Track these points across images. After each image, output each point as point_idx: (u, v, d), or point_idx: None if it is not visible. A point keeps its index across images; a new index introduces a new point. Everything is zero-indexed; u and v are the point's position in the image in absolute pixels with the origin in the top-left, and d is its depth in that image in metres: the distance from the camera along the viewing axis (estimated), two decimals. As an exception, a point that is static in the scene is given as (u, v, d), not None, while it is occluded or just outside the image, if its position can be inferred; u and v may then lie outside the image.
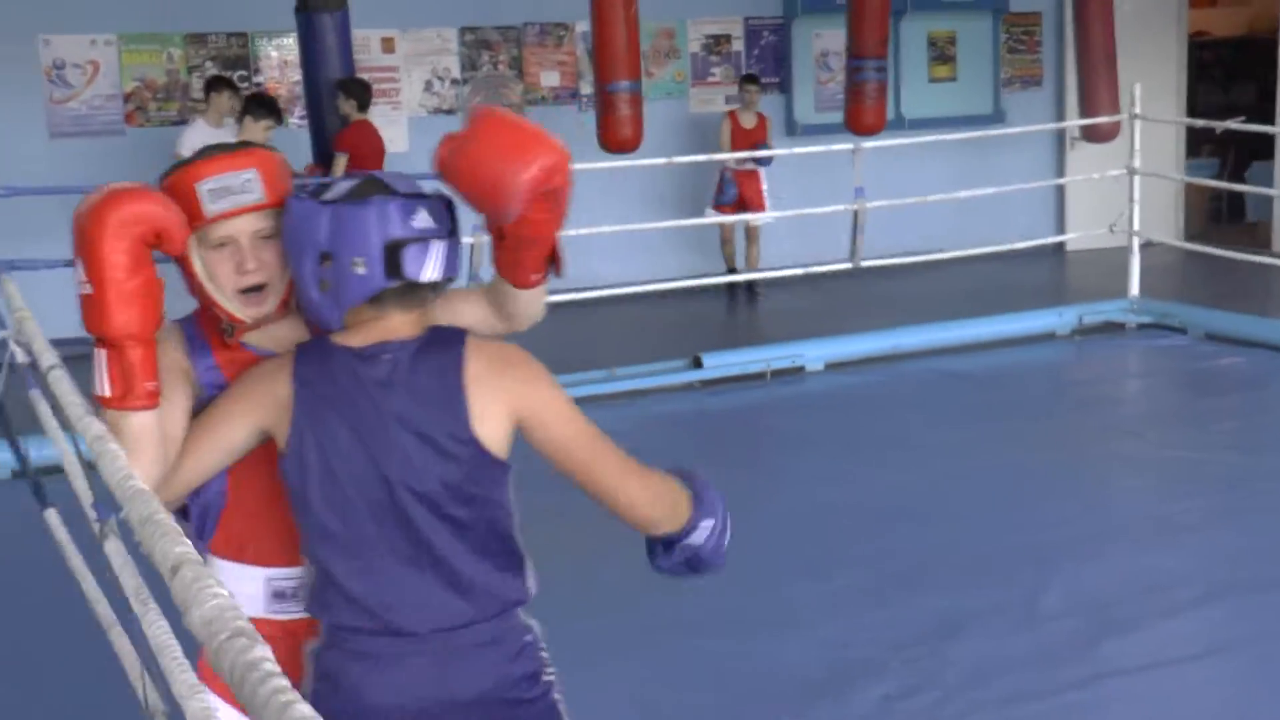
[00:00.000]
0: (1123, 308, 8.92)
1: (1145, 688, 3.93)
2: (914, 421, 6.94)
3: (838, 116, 11.11)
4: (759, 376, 7.80)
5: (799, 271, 8.90)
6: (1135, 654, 4.14)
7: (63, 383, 2.33)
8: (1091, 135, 10.52)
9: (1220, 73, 13.84)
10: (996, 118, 12.04)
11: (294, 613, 2.11)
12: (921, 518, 5.44)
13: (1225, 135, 11.17)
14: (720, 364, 7.78)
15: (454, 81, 10.41)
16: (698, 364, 7.75)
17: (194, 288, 2.07)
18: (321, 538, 2.00)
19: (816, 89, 11.58)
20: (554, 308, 8.39)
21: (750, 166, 10.11)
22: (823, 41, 11.53)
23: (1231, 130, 9.90)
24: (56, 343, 2.75)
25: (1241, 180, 12.40)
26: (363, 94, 8.40)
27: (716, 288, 9.87)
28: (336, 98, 8.42)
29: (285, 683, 1.05)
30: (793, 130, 11.35)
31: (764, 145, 10.15)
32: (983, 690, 3.93)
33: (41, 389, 3.35)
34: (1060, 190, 12.13)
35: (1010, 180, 10.93)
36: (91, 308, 1.91)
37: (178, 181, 2.01)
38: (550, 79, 10.70)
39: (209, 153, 2.03)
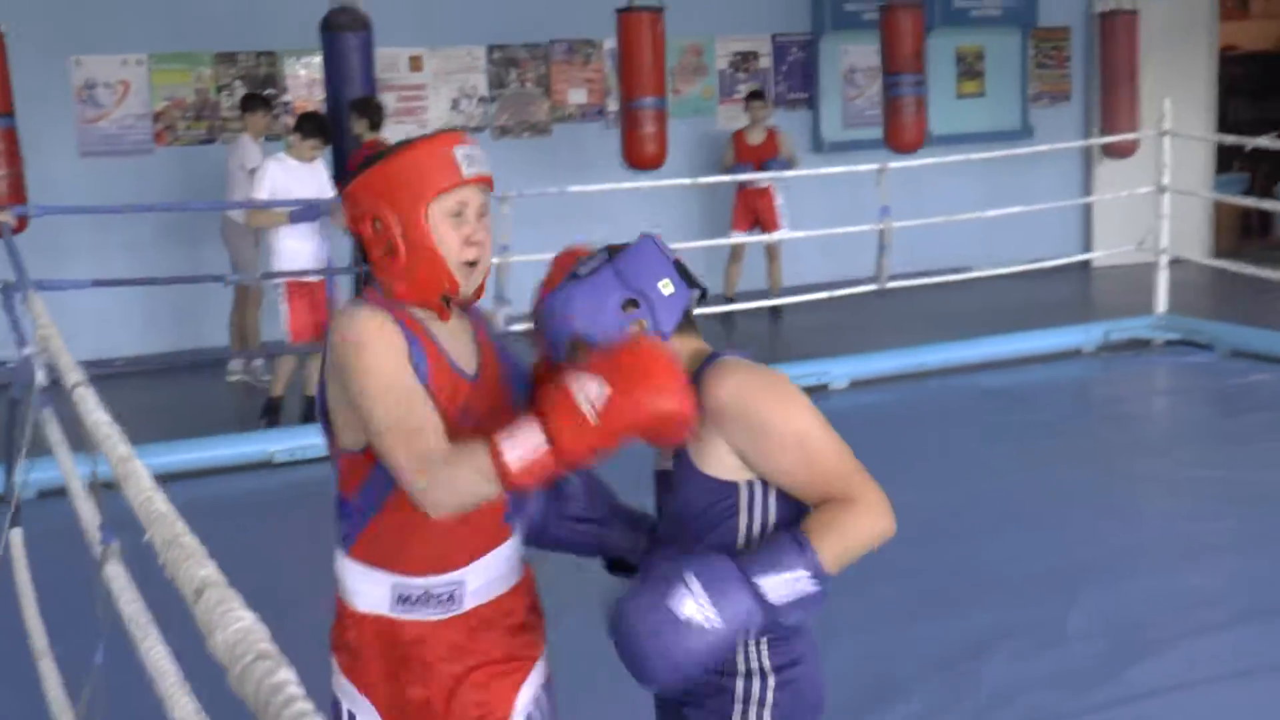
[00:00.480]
0: (1149, 324, 8.90)
1: (1174, 710, 3.90)
2: (940, 439, 6.93)
3: (865, 133, 11.16)
4: None
5: (823, 296, 8.87)
6: (1164, 675, 4.11)
7: (87, 400, 2.34)
8: (1109, 152, 10.52)
9: (1251, 87, 13.77)
10: (1025, 133, 12.02)
11: (416, 616, 2.20)
12: (949, 536, 5.42)
13: (1256, 151, 11.14)
14: None
15: (481, 99, 10.45)
16: None
17: (417, 256, 2.13)
18: None
19: (844, 105, 11.58)
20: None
21: (762, 184, 10.05)
22: (850, 58, 11.53)
23: (1262, 146, 9.87)
24: (83, 364, 2.76)
25: (1271, 196, 12.34)
26: (375, 113, 8.20)
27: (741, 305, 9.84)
28: (349, 118, 8.37)
29: (309, 706, 1.06)
30: (819, 147, 11.35)
31: (777, 160, 10.03)
32: (1010, 710, 3.91)
33: (55, 409, 3.36)
34: (1088, 207, 12.09)
35: (1038, 196, 10.91)
36: (581, 432, 1.94)
37: (432, 148, 2.14)
38: (577, 96, 10.73)
39: (439, 132, 2.21)
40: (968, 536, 5.42)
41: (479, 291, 2.25)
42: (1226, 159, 12.68)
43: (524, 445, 1.95)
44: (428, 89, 10.30)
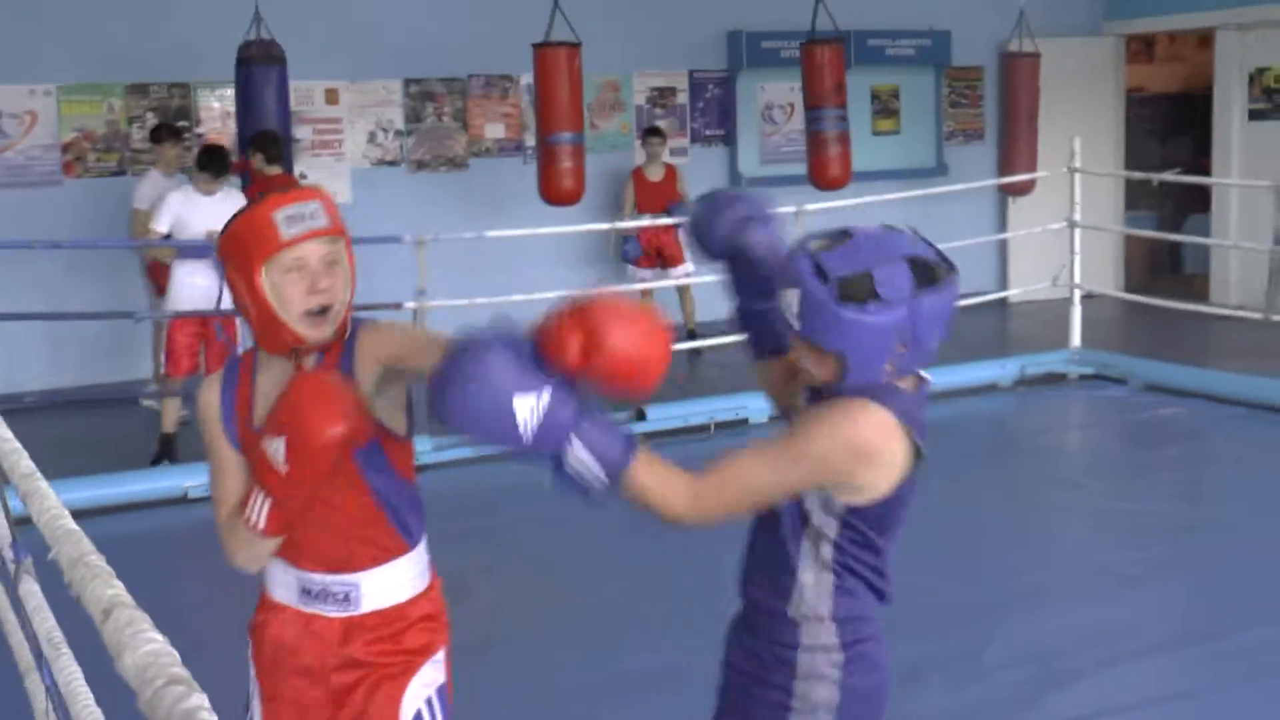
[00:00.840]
0: (1064, 359, 9.03)
1: (1091, 738, 3.94)
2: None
3: (782, 169, 11.27)
4: (703, 429, 7.83)
5: (742, 336, 8.87)
6: (1081, 705, 4.16)
7: (-6, 422, 2.29)
8: (1009, 190, 10.72)
9: (1157, 127, 14.07)
10: (940, 171, 12.18)
11: (316, 609, 2.45)
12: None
13: (1163, 188, 11.37)
14: (664, 416, 7.81)
15: (398, 133, 10.42)
16: (641, 416, 7.77)
17: (259, 314, 2.31)
18: (893, 538, 2.35)
19: (762, 141, 11.68)
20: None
21: (663, 221, 10.03)
22: (767, 94, 11.65)
23: (1168, 183, 10.07)
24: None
25: (1179, 232, 12.59)
26: (271, 147, 8.08)
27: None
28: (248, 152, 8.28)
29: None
30: (737, 183, 11.41)
31: (675, 198, 10.05)
32: (929, 742, 3.93)
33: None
34: (1003, 244, 12.27)
35: (954, 233, 11.02)
36: (280, 482, 2.24)
37: (253, 216, 2.28)
38: (495, 130, 10.74)
39: (274, 190, 2.35)
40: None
41: (340, 331, 2.38)
42: (1135, 196, 12.93)
43: (257, 507, 2.29)
44: (344, 122, 10.25)
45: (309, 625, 2.46)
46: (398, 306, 7.79)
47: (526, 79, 10.35)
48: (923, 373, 2.28)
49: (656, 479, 2.08)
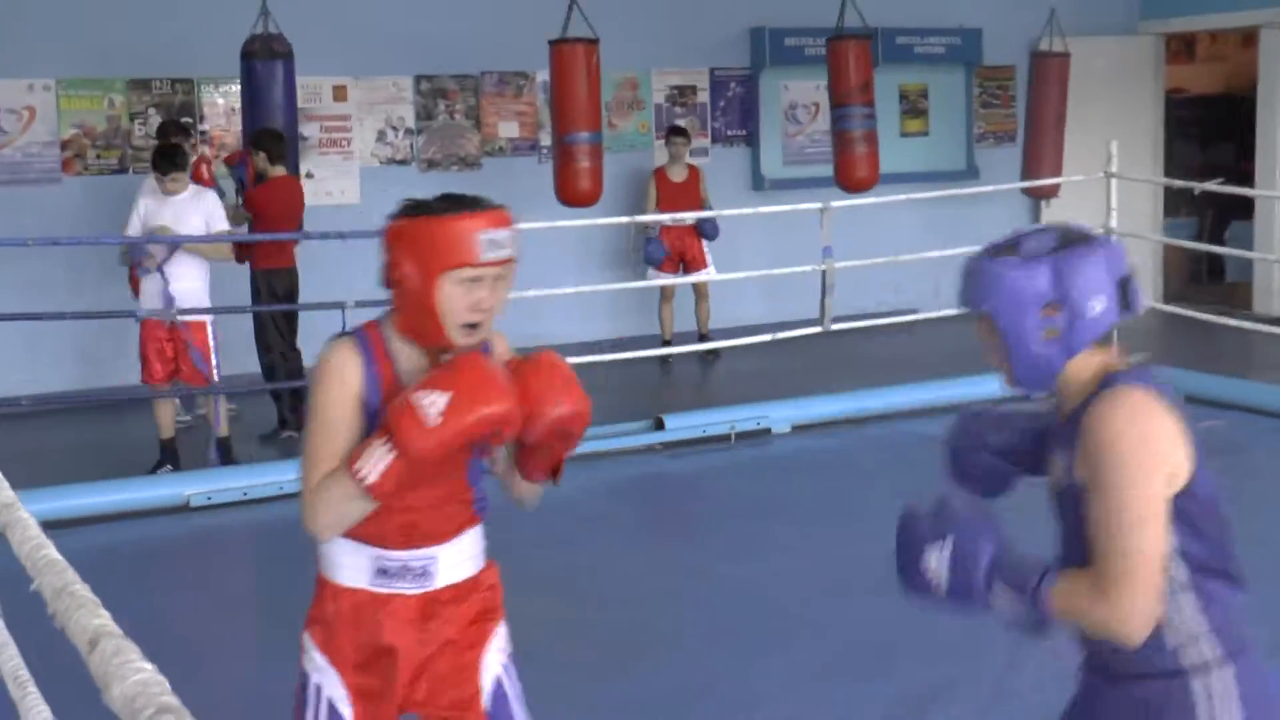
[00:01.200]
0: (1101, 371, 8.97)
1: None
2: (883, 486, 6.91)
3: (806, 171, 11.25)
4: (723, 439, 7.79)
5: (765, 339, 8.91)
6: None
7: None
8: (1032, 195, 10.68)
9: (1198, 131, 14.01)
10: (970, 174, 12.15)
11: (393, 588, 2.56)
12: (890, 588, 5.41)
13: (1204, 194, 11.32)
14: (683, 425, 7.79)
15: (408, 131, 10.43)
16: (660, 425, 7.75)
17: (419, 310, 2.46)
18: (1228, 556, 2.25)
19: (785, 142, 11.66)
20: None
21: (688, 222, 10.06)
22: (791, 94, 11.63)
23: (1210, 189, 10.03)
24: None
25: (1221, 240, 12.54)
26: (273, 145, 8.03)
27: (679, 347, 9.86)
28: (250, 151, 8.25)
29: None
30: (759, 185, 11.41)
31: (698, 200, 10.15)
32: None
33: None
34: (1035, 249, 12.22)
35: (985, 237, 10.87)
36: (423, 433, 2.34)
37: (457, 226, 2.44)
38: (509, 129, 10.74)
39: (475, 205, 2.48)
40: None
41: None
42: (1175, 203, 12.88)
43: (373, 460, 2.38)
44: (353, 120, 10.26)
45: (386, 605, 2.57)
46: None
47: (542, 76, 10.35)
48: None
49: (1072, 600, 2.16)
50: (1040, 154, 11.39)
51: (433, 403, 2.33)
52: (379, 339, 2.54)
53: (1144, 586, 2.11)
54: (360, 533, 2.53)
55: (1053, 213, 11.98)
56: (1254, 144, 11.96)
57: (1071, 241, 2.25)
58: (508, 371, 2.47)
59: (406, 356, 2.54)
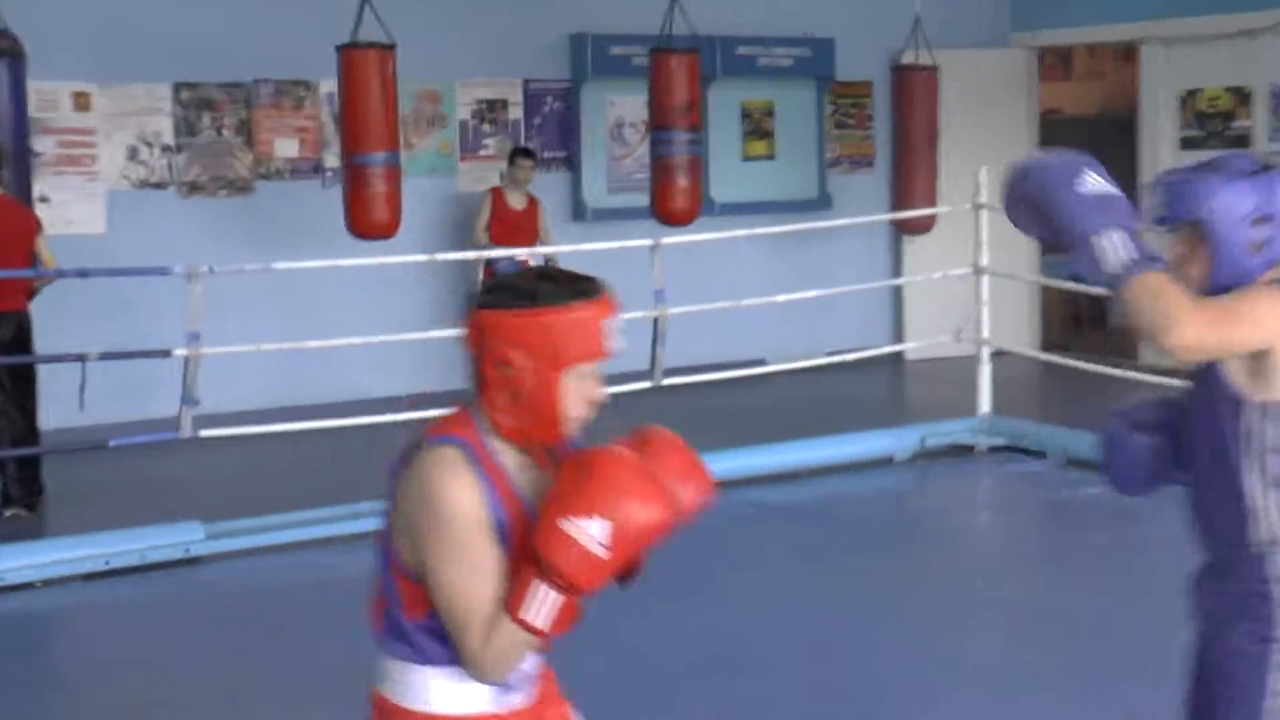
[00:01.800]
0: (971, 428, 9.16)
1: None
2: (726, 561, 6.96)
3: (636, 199, 11.27)
4: None
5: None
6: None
7: None
8: (905, 227, 10.85)
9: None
10: (822, 203, 12.33)
11: (514, 700, 2.66)
12: (739, 671, 5.47)
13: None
14: None
15: (166, 148, 10.24)
16: None
17: (536, 409, 2.57)
18: None
19: (610, 166, 11.71)
20: (293, 433, 8.10)
21: (521, 258, 10.06)
22: (618, 110, 11.70)
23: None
24: None
25: (1103, 280, 12.89)
26: None
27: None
28: None
29: None
30: (581, 215, 11.43)
31: (537, 235, 10.27)
32: None
33: None
34: (897, 290, 12.45)
35: (839, 277, 11.19)
36: (595, 570, 2.46)
37: (583, 317, 2.55)
38: (287, 148, 10.60)
39: (590, 289, 2.59)
40: (761, 670, 5.49)
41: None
42: (1053, 237, 13.22)
43: (540, 605, 2.47)
44: (98, 134, 10.04)
45: None
46: (166, 354, 7.63)
47: (327, 86, 10.25)
48: None
49: (1167, 292, 2.68)
50: (912, 181, 11.59)
51: (596, 533, 2.43)
52: (480, 446, 2.60)
53: (1209, 341, 2.74)
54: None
55: (916, 249, 12.22)
56: (1135, 169, 12.32)
57: (1268, 165, 2.87)
58: (640, 462, 2.55)
59: (510, 460, 2.62)
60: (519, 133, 11.33)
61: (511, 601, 2.48)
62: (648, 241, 8.84)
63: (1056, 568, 6.99)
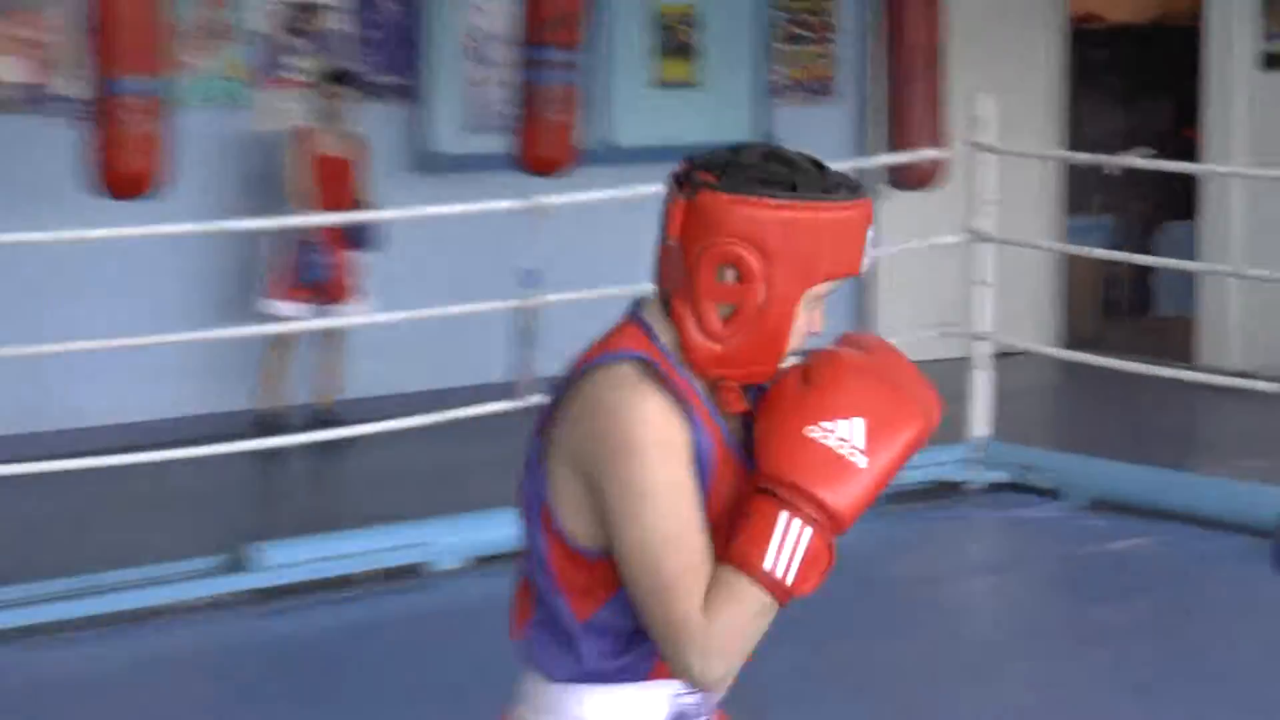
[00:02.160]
0: (960, 458, 9.11)
1: None
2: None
3: (500, 142, 11.12)
4: (352, 583, 7.78)
5: (430, 419, 8.77)
6: None
7: None
8: (900, 179, 10.75)
9: (1118, 80, 14.39)
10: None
11: None
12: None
13: (1128, 178, 11.57)
14: (286, 561, 7.71)
15: None
16: (242, 564, 7.67)
17: (764, 334, 2.60)
18: None
19: (467, 95, 11.60)
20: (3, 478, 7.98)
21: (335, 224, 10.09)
22: (478, 19, 11.58)
23: (1134, 171, 10.22)
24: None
25: (1147, 250, 12.80)
26: None
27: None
28: None
29: None
30: (427, 164, 11.34)
31: (358, 190, 10.25)
32: None
33: None
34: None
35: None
36: (857, 484, 2.51)
37: (856, 221, 2.62)
38: (9, 70, 10.45)
39: (848, 185, 2.61)
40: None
41: None
42: (1082, 192, 13.15)
43: (794, 550, 2.49)
44: None
45: None
46: None
47: (68, -13, 10.10)
48: None
49: None
50: (907, 118, 11.43)
51: (849, 435, 2.51)
52: (672, 369, 2.62)
53: None
54: (642, 670, 2.66)
55: (893, 208, 12.06)
56: (1195, 101, 12.27)
57: None
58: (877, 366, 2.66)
59: (701, 388, 2.65)
60: (340, 50, 11.18)
61: (741, 551, 2.49)
62: (520, 202, 8.70)
63: (1081, 653, 6.94)
